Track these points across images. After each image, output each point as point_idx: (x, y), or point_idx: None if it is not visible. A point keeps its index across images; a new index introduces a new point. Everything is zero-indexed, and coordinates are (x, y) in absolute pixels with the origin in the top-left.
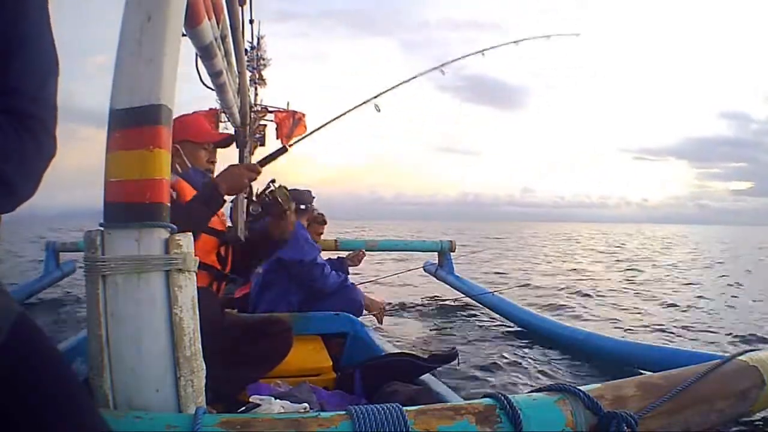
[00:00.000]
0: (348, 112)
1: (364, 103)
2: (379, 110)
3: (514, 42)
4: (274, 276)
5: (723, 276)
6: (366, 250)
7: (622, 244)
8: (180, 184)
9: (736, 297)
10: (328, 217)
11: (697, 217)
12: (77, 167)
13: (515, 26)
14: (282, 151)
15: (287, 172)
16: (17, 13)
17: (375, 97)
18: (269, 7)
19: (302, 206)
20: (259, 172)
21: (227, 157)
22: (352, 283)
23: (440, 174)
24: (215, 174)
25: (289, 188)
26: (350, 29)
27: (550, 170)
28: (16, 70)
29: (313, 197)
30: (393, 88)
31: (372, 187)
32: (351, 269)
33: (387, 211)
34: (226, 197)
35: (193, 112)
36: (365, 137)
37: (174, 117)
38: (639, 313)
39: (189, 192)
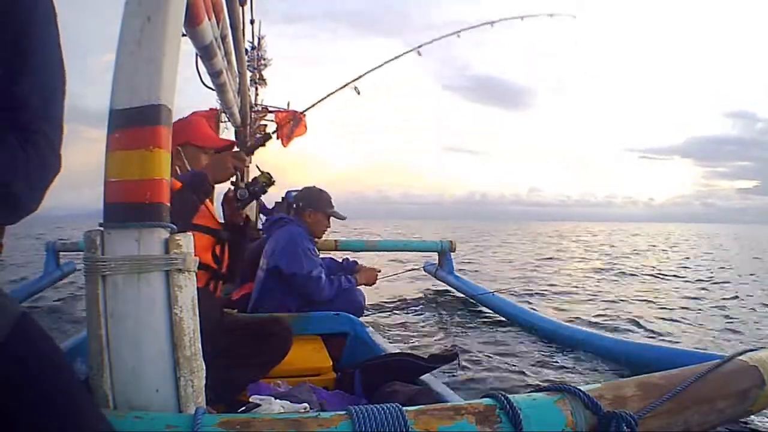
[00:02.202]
0: (330, 94)
1: (345, 86)
2: (359, 93)
3: (490, 23)
4: (273, 283)
5: None
6: (366, 250)
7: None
8: (175, 184)
9: None
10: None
11: (703, 215)
12: (82, 168)
13: (522, 27)
14: (266, 138)
15: (291, 172)
16: (25, 31)
17: (355, 79)
18: (276, 9)
19: (300, 204)
20: (244, 161)
21: None
22: (352, 282)
23: (447, 173)
24: (250, 179)
25: (300, 188)
26: (356, 30)
27: (557, 170)
28: (24, 87)
29: (328, 196)
30: (372, 70)
31: (378, 186)
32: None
33: (393, 211)
34: (215, 185)
35: (193, 113)
36: (372, 137)
37: (175, 119)
38: None
39: None
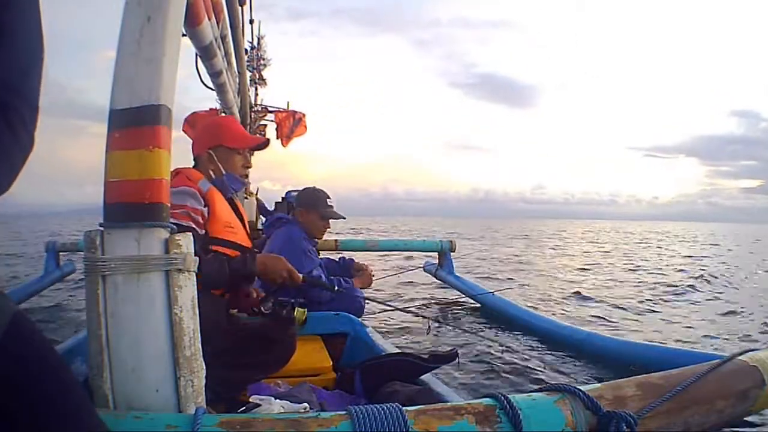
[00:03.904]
0: None
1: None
2: None
3: None
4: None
5: None
6: (366, 250)
7: None
8: (212, 193)
9: None
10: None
11: (707, 214)
12: (87, 164)
13: (528, 25)
14: (323, 286)
15: (295, 166)
16: (4, 3)
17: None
18: (281, 5)
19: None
20: (298, 282)
21: None
22: (350, 283)
23: (451, 171)
24: (250, 178)
25: (301, 188)
26: (361, 27)
27: (561, 167)
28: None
29: (324, 195)
30: None
31: (383, 183)
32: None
33: (398, 208)
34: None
35: (193, 113)
36: (377, 133)
37: (203, 119)
38: None
39: (220, 202)
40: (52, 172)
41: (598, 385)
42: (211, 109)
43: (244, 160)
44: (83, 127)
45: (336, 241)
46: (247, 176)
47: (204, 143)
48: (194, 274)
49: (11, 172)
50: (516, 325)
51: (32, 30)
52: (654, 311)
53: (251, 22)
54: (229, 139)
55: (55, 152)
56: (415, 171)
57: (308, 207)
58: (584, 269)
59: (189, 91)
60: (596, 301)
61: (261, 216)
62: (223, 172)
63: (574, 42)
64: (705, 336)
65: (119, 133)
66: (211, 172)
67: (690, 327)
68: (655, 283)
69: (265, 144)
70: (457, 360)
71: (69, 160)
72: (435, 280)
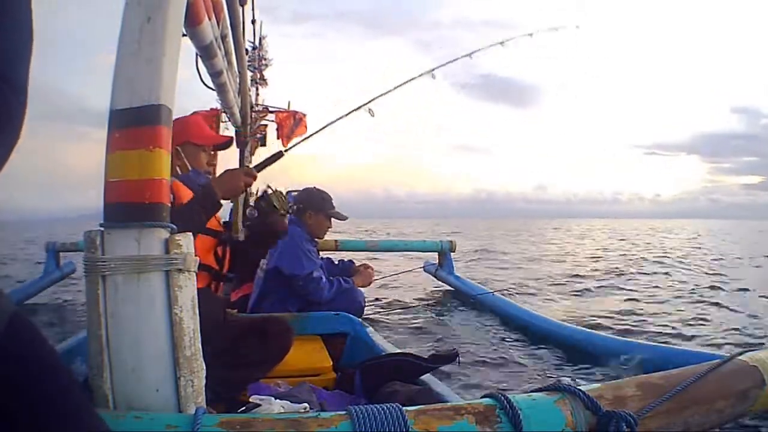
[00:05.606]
0: (342, 117)
1: (359, 108)
2: (373, 115)
3: (500, 43)
4: (273, 284)
5: None
6: (366, 251)
7: None
8: (176, 185)
9: None
10: None
11: (709, 211)
12: (90, 170)
13: (530, 24)
14: (278, 156)
15: (291, 169)
16: None
17: (369, 102)
18: (286, 7)
19: (303, 208)
20: (255, 177)
21: (228, 157)
22: (350, 283)
23: (453, 172)
24: (215, 176)
25: (301, 188)
26: (365, 29)
27: (563, 167)
28: None
29: (329, 197)
30: (386, 93)
31: (385, 185)
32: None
33: (400, 210)
34: (222, 201)
35: (194, 112)
36: (377, 134)
37: (174, 118)
38: None
39: (186, 194)
40: (57, 179)
41: (598, 385)
42: (212, 109)
43: (209, 158)
44: (87, 133)
45: (336, 241)
46: (210, 173)
47: (172, 140)
48: (194, 274)
49: None
50: (516, 325)
51: (20, 15)
52: None
53: (253, 22)
54: (196, 136)
55: (65, 159)
56: (417, 172)
57: (316, 209)
58: None
59: (195, 91)
60: None
61: None
62: (189, 168)
63: (575, 41)
64: None
65: (119, 133)
66: (178, 168)
67: None
68: None
69: (228, 143)
70: (457, 360)
71: (74, 164)
72: (435, 280)
